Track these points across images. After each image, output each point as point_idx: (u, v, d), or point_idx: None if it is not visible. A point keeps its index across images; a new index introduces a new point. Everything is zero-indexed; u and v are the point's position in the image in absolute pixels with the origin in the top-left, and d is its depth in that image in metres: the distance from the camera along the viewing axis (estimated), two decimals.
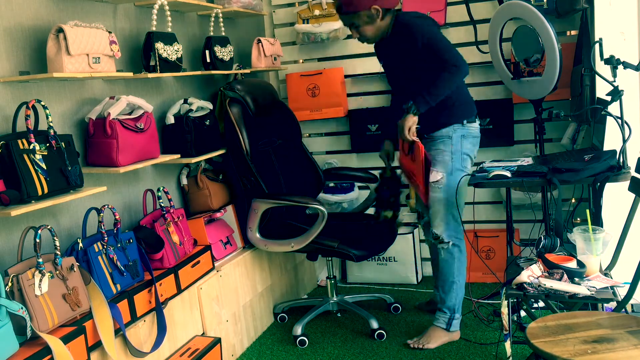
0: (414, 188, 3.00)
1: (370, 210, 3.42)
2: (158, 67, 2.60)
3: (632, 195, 2.23)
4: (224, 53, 3.15)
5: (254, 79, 3.59)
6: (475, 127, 2.91)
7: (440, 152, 2.85)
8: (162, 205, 2.69)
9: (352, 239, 3.04)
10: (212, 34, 3.16)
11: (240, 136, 3.09)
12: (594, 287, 2.05)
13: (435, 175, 2.84)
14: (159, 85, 2.96)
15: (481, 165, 2.87)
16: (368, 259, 3.28)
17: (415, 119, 2.69)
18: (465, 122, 2.85)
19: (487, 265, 3.39)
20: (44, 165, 2.06)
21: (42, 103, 2.10)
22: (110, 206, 2.38)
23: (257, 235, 3.12)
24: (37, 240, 1.97)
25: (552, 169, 2.49)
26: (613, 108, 2.51)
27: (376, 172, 3.40)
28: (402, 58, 2.86)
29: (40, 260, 1.98)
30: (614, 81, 2.55)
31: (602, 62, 2.63)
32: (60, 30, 2.13)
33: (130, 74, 2.49)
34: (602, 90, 2.74)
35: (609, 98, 2.55)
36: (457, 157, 2.84)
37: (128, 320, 2.31)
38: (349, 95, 3.86)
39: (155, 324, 2.45)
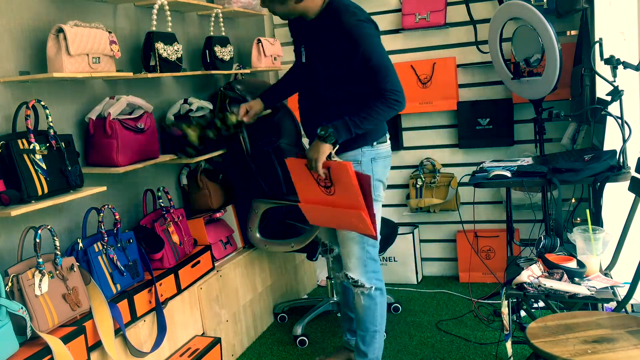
0: (348, 226, 2.36)
1: None
2: (158, 67, 2.60)
3: (632, 195, 2.23)
4: (224, 53, 3.14)
5: (254, 79, 3.59)
6: (385, 146, 2.46)
7: None
8: (162, 205, 2.70)
9: None
10: (212, 34, 3.16)
11: (241, 136, 3.09)
12: (594, 287, 2.05)
13: None
14: (159, 85, 2.96)
15: (481, 165, 2.87)
16: None
17: (330, 148, 2.20)
18: (375, 143, 2.41)
19: (487, 265, 3.40)
20: (44, 165, 2.06)
21: (42, 103, 2.10)
22: (110, 206, 2.38)
23: (257, 235, 3.13)
24: (37, 240, 1.97)
25: (552, 169, 2.50)
26: (613, 108, 2.51)
27: None
28: (328, 54, 2.33)
29: (40, 260, 1.98)
30: (614, 81, 2.55)
31: (602, 62, 2.63)
32: (60, 30, 2.13)
33: (130, 74, 2.49)
34: (602, 90, 2.74)
35: (609, 98, 2.55)
36: None
37: (128, 320, 2.31)
38: None
39: (155, 324, 2.45)
